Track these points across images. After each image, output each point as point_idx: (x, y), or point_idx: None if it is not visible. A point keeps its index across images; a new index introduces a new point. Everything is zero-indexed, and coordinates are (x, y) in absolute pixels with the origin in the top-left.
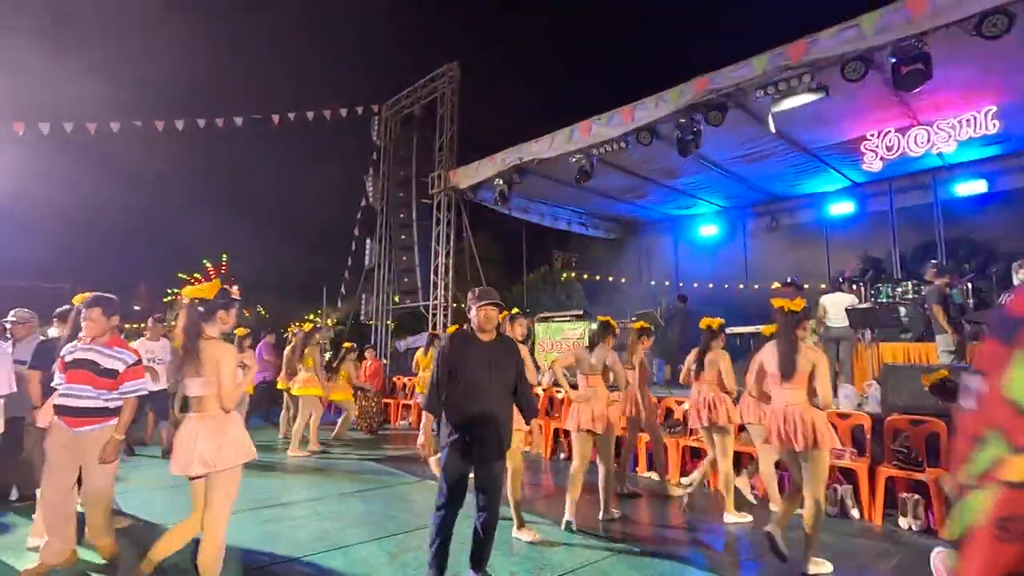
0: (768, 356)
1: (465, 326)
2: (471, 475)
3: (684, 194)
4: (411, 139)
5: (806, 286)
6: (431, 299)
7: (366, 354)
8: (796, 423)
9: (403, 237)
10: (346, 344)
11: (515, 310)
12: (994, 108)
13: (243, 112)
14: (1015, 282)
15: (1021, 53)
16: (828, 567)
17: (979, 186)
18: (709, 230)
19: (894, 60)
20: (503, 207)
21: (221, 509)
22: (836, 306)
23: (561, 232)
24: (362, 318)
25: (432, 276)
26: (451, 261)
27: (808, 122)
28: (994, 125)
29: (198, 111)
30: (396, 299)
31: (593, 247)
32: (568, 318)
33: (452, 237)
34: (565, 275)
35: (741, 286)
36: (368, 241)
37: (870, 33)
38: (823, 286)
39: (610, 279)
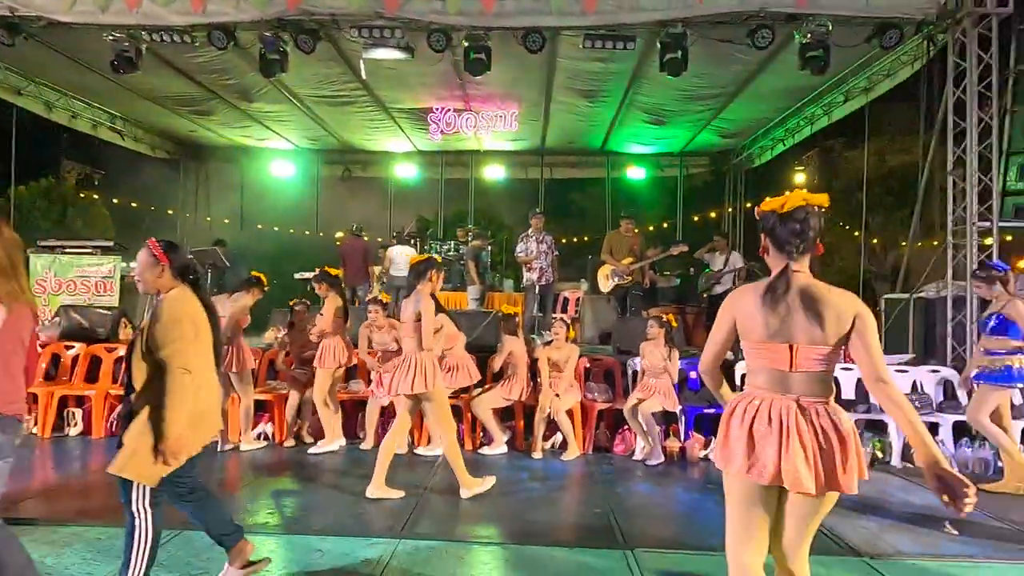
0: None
1: None
2: None
3: (259, 123)
4: None
5: (366, 237)
6: None
7: None
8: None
9: None
10: None
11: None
12: (516, 112)
13: None
14: (520, 250)
15: (542, 71)
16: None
17: (499, 171)
18: (283, 168)
19: (467, 44)
20: None
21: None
22: (400, 257)
23: (82, 136)
24: None
25: None
26: None
27: (391, 81)
28: (515, 126)
29: None
30: None
31: (136, 165)
32: (89, 250)
33: None
34: (84, 194)
35: (307, 232)
36: None
37: (452, 12)
38: (380, 239)
39: (154, 208)
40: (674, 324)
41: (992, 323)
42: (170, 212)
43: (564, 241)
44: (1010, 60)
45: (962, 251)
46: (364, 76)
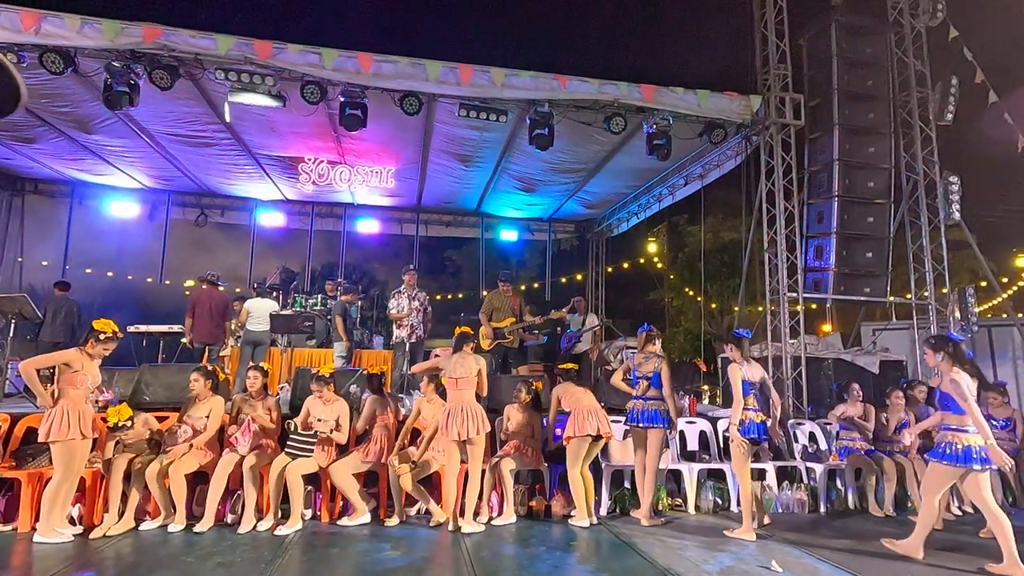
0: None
1: None
2: None
3: (97, 156)
4: None
5: (222, 287)
6: None
7: None
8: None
9: None
10: None
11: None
12: (393, 169)
13: None
14: (392, 307)
15: (419, 133)
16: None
17: (373, 225)
18: (123, 208)
19: (342, 99)
20: None
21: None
22: (260, 311)
23: None
24: None
25: None
26: None
27: (260, 126)
28: (390, 182)
29: None
30: None
31: None
32: None
33: None
34: None
35: (150, 280)
36: None
37: (328, 67)
38: (238, 289)
39: None
40: (539, 388)
41: None
42: None
43: (439, 298)
44: (804, 162)
45: (778, 317)
46: (229, 119)
